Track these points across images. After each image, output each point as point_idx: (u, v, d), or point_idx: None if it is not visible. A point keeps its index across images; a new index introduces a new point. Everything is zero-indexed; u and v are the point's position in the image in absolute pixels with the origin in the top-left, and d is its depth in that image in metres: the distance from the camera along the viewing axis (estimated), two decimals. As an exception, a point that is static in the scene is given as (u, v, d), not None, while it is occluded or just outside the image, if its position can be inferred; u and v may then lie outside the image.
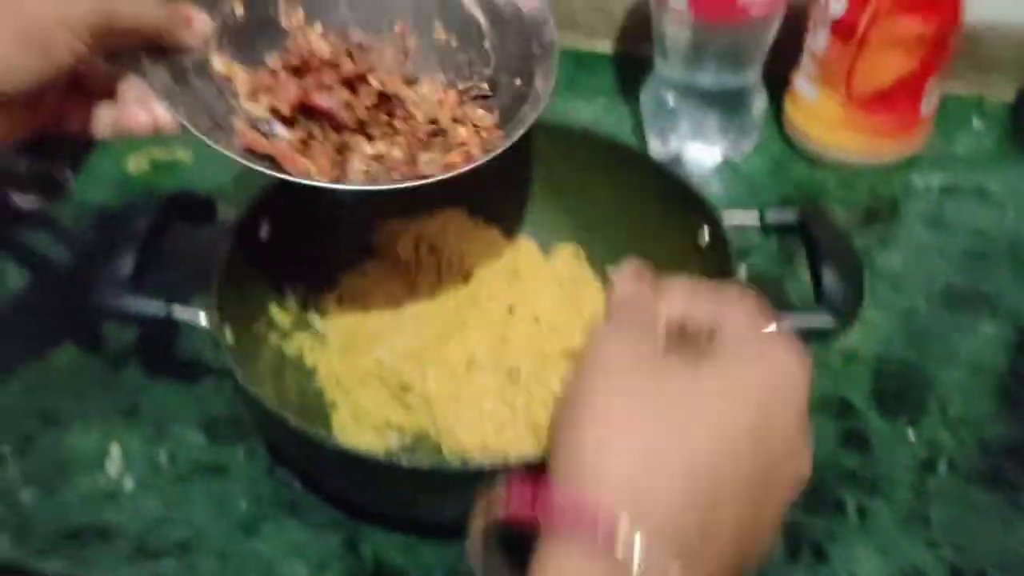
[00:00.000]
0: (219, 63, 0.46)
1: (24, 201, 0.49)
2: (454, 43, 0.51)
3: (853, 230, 0.61)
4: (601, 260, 0.57)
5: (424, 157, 0.46)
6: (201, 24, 0.45)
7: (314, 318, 0.54)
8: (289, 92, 0.45)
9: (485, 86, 0.50)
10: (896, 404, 0.51)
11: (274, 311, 0.52)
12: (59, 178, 0.49)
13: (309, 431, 0.40)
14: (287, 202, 0.52)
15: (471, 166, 0.45)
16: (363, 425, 0.49)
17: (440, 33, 0.51)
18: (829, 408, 0.51)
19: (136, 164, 0.68)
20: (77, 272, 0.59)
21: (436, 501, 0.42)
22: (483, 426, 0.48)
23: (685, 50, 0.61)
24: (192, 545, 0.46)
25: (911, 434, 0.50)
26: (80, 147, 0.65)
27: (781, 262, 0.59)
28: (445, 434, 0.48)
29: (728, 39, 0.59)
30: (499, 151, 0.46)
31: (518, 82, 0.50)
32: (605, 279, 0.56)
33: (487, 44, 0.51)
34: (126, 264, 0.46)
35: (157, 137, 0.66)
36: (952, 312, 0.56)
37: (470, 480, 0.39)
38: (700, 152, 0.65)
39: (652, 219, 0.54)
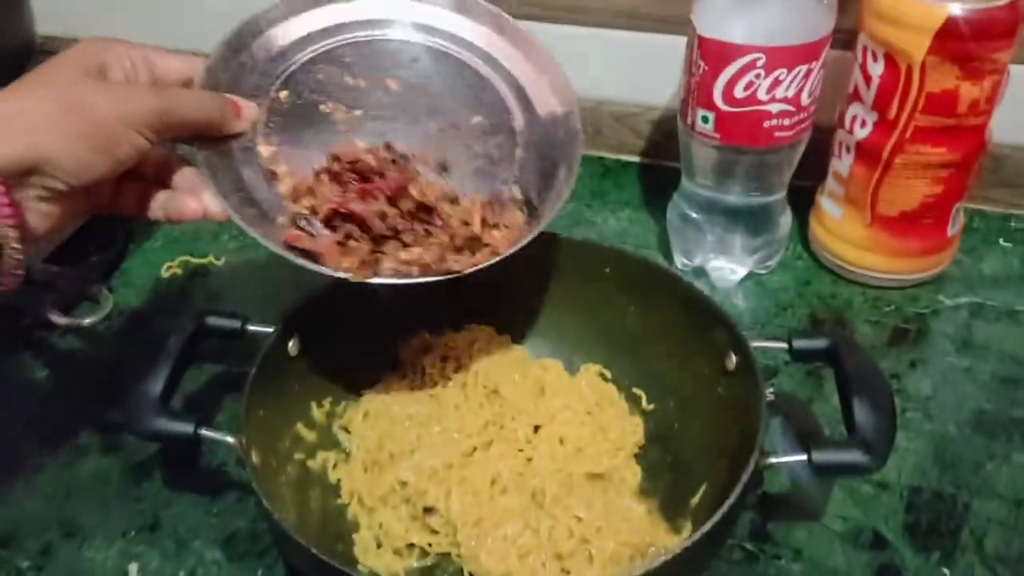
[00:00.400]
0: (265, 151, 0.48)
1: (59, 318, 0.50)
2: (489, 140, 0.52)
3: (880, 351, 0.61)
4: (627, 381, 0.57)
5: (453, 257, 0.47)
6: (250, 112, 0.49)
7: (339, 434, 0.54)
8: (330, 197, 0.46)
9: (518, 191, 0.51)
10: (930, 538, 0.50)
11: (300, 428, 0.52)
12: (94, 293, 0.50)
13: (330, 560, 0.40)
14: (316, 317, 0.53)
15: (496, 259, 0.47)
16: (385, 547, 0.49)
17: (474, 129, 0.52)
18: (861, 540, 0.50)
19: (169, 269, 0.69)
20: (107, 384, 0.59)
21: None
22: (507, 552, 0.47)
23: (712, 170, 0.62)
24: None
25: (947, 572, 0.48)
26: (114, 256, 0.66)
27: (808, 383, 0.59)
28: (468, 560, 0.47)
29: (755, 161, 0.60)
30: (524, 242, 0.48)
31: (543, 176, 0.51)
32: (631, 400, 0.56)
33: (519, 139, 0.53)
34: (156, 385, 0.46)
35: (193, 240, 0.69)
36: (985, 439, 0.55)
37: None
38: (724, 267, 0.66)
39: (679, 340, 0.54)
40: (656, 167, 0.78)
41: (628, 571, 0.39)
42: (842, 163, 0.63)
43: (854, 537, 0.50)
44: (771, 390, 0.58)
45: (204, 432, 0.45)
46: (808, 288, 0.66)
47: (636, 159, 0.80)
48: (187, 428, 0.45)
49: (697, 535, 0.40)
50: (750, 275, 0.67)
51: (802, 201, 0.69)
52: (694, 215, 0.65)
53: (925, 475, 0.53)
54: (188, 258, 0.70)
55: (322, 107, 0.51)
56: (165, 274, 0.69)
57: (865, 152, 0.61)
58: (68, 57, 0.44)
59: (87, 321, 0.50)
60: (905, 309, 0.64)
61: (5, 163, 0.39)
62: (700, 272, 0.66)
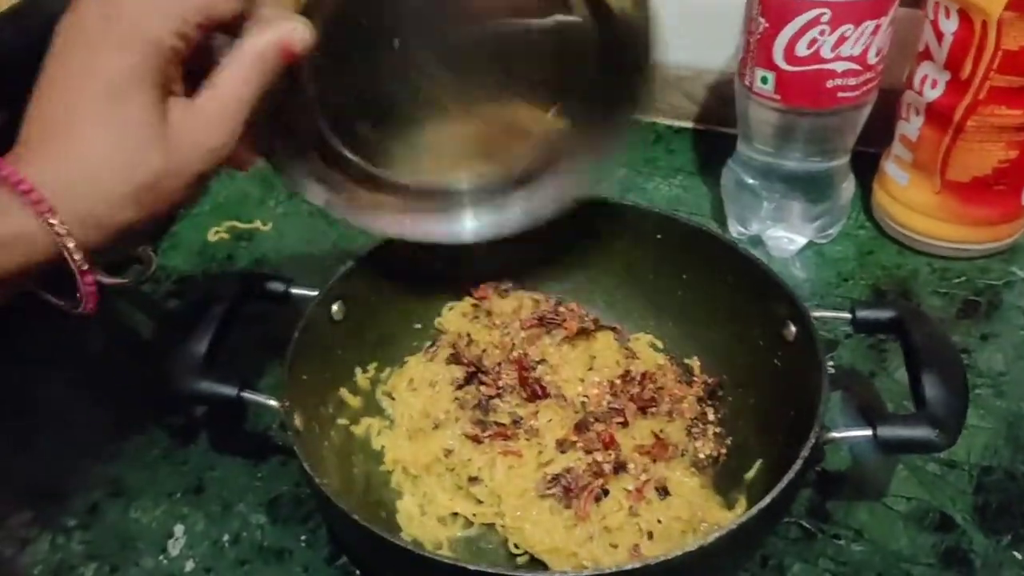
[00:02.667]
0: None
1: (105, 278, 0.49)
2: None
3: (949, 324, 0.58)
4: (680, 351, 0.55)
5: None
6: None
7: (383, 400, 0.53)
8: None
9: None
10: (1000, 520, 0.47)
11: (344, 393, 0.52)
12: (139, 254, 0.49)
13: (372, 527, 0.39)
14: (361, 282, 0.52)
15: None
16: (428, 516, 0.48)
17: None
18: (927, 522, 0.47)
19: (217, 234, 0.69)
20: (154, 344, 0.59)
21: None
22: (554, 525, 0.45)
23: (771, 133, 0.59)
24: (249, 633, 0.44)
25: (1018, 556, 0.46)
26: (164, 221, 0.66)
27: (871, 357, 0.56)
28: (513, 530, 0.46)
29: (816, 124, 0.57)
30: None
31: None
32: (684, 371, 0.54)
33: None
34: (200, 347, 0.46)
35: (239, 205, 0.68)
36: (1060, 419, 0.52)
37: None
38: (782, 236, 0.63)
39: (734, 310, 0.52)
40: (711, 133, 0.76)
41: (680, 546, 0.37)
42: (910, 126, 0.60)
43: (919, 518, 0.48)
44: (831, 363, 0.56)
45: (247, 395, 0.45)
46: (871, 258, 0.64)
47: (690, 125, 0.77)
48: (231, 391, 0.45)
49: (753, 511, 0.38)
50: (809, 244, 0.64)
51: (866, 168, 0.66)
52: (751, 181, 0.62)
53: (996, 454, 0.50)
54: (235, 223, 0.70)
55: None
56: (212, 239, 0.69)
57: (936, 114, 0.58)
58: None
59: (130, 280, 0.49)
60: (975, 281, 0.61)
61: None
62: (756, 241, 0.64)
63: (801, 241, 0.63)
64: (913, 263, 0.63)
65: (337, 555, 0.47)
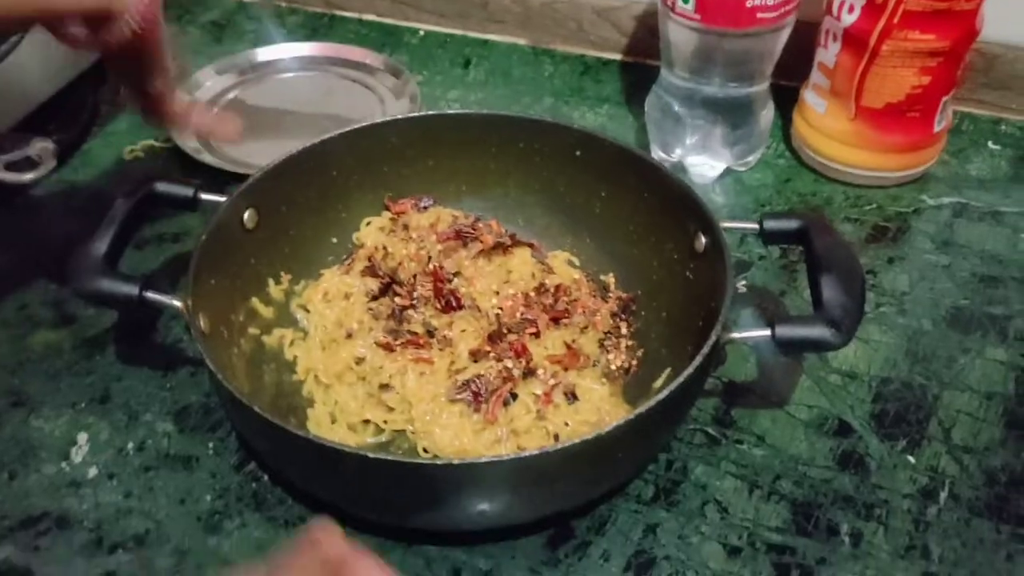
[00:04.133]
0: None
1: (9, 177, 0.48)
2: None
3: (858, 248, 0.59)
4: (595, 267, 0.55)
5: None
6: None
7: (297, 312, 0.53)
8: None
9: None
10: (896, 427, 0.49)
11: (256, 303, 0.51)
12: (42, 156, 0.48)
13: (276, 420, 0.39)
14: (274, 191, 0.51)
15: None
16: (339, 423, 0.48)
17: None
18: (825, 427, 0.49)
19: (132, 152, 0.67)
20: (59, 254, 0.58)
21: (405, 499, 0.40)
22: (462, 428, 0.46)
23: (691, 57, 0.59)
24: (150, 539, 0.44)
25: (911, 459, 0.47)
26: (75, 136, 0.65)
27: (783, 277, 0.57)
28: (423, 436, 0.46)
29: (736, 46, 0.58)
30: None
31: None
32: (598, 285, 0.54)
33: None
34: (101, 245, 0.45)
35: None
36: (959, 335, 0.54)
37: (441, 477, 0.38)
38: (704, 162, 0.64)
39: (649, 224, 0.52)
40: (638, 65, 0.76)
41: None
42: (828, 53, 0.61)
43: (818, 425, 0.49)
44: (743, 282, 0.57)
45: (149, 295, 0.44)
46: (788, 186, 0.65)
47: (618, 57, 0.77)
48: (132, 290, 0.44)
49: (651, 402, 0.39)
50: (729, 172, 0.65)
51: (786, 101, 0.67)
52: (673, 107, 0.63)
53: (895, 367, 0.52)
54: (152, 142, 0.68)
55: None
56: (127, 156, 0.67)
57: (852, 39, 0.58)
58: None
59: (29, 176, 0.48)
60: (886, 208, 0.62)
61: None
62: (679, 168, 0.64)
63: (721, 167, 0.64)
64: (828, 191, 0.64)
65: (246, 461, 0.47)
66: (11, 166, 0.48)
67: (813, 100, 0.63)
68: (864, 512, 0.45)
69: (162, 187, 0.48)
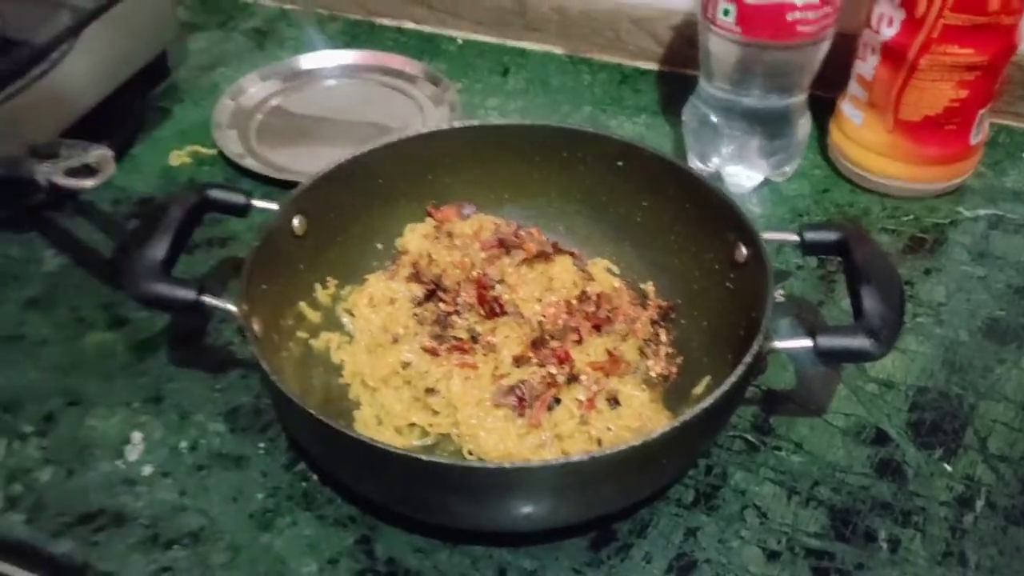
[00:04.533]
0: None
1: (63, 180, 0.49)
2: None
3: (896, 259, 0.60)
4: (636, 275, 0.56)
5: None
6: None
7: (343, 316, 0.54)
8: None
9: None
10: (933, 436, 0.49)
11: (304, 307, 0.52)
12: (97, 159, 0.49)
13: (331, 422, 0.40)
14: (323, 198, 0.52)
15: None
16: (385, 425, 0.49)
17: None
18: (863, 435, 0.49)
19: (178, 158, 0.69)
20: (113, 261, 0.59)
21: (453, 501, 0.41)
22: (507, 432, 0.47)
23: (731, 69, 0.60)
24: (205, 536, 0.45)
25: (948, 467, 0.48)
26: (121, 142, 0.66)
27: (821, 287, 0.58)
28: (468, 439, 0.47)
29: (776, 58, 0.59)
30: None
31: None
32: (637, 293, 0.55)
33: None
34: (159, 250, 0.46)
35: (203, 131, 0.68)
36: (996, 345, 0.54)
37: (491, 480, 0.39)
38: (740, 172, 0.65)
39: (689, 234, 0.53)
40: (675, 75, 0.77)
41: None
42: (866, 65, 0.61)
43: (856, 433, 0.50)
44: (781, 292, 0.57)
45: (206, 299, 0.45)
46: (825, 196, 0.65)
47: (655, 67, 0.78)
48: (189, 294, 0.45)
49: (696, 410, 0.40)
50: (766, 183, 0.65)
51: (823, 112, 0.67)
52: (711, 117, 0.64)
53: (932, 377, 0.52)
54: (198, 148, 0.70)
55: None
56: (174, 163, 0.69)
57: (891, 53, 0.59)
58: None
59: (89, 183, 0.49)
60: (923, 219, 0.63)
61: None
62: (716, 178, 0.65)
63: (758, 178, 0.65)
64: (865, 201, 0.65)
65: (295, 462, 0.48)
66: (71, 172, 0.50)
67: (850, 112, 0.64)
68: (901, 519, 0.46)
69: (215, 194, 0.50)
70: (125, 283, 0.46)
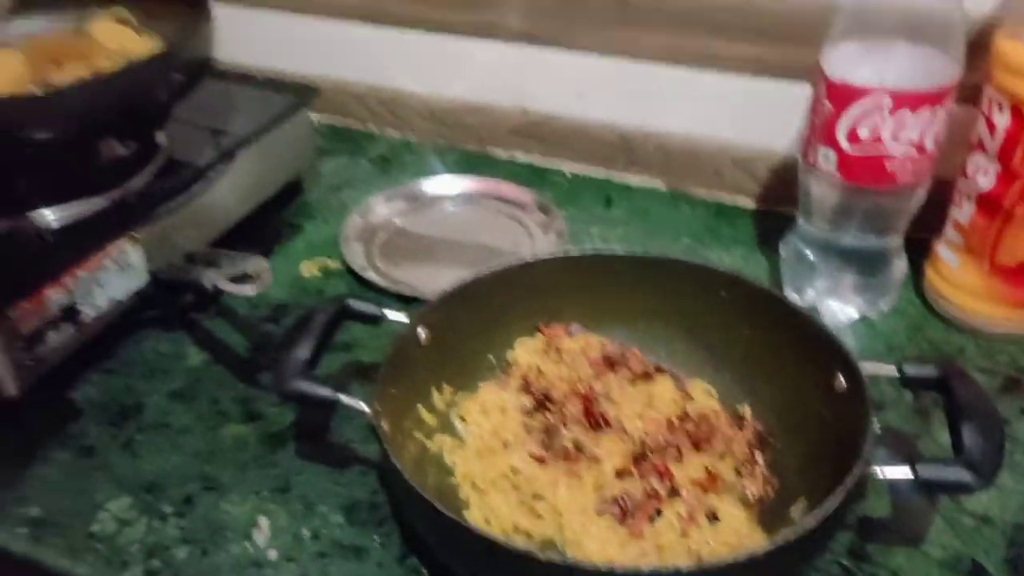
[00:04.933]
0: None
1: (229, 287, 0.56)
2: None
3: (998, 398, 0.61)
4: (733, 399, 0.59)
5: None
6: None
7: (457, 421, 0.58)
8: None
9: None
10: (1034, 577, 0.50)
11: (422, 411, 0.57)
12: (255, 268, 0.56)
13: (453, 516, 0.43)
14: (445, 313, 0.57)
15: None
16: (493, 527, 0.52)
17: None
18: (959, 567, 0.50)
19: (308, 269, 0.76)
20: (250, 361, 0.65)
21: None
22: (609, 540, 0.49)
23: (830, 210, 0.64)
24: (323, 621, 0.48)
25: (1051, 610, 0.48)
26: (262, 249, 0.74)
27: (916, 420, 0.59)
28: (571, 544, 0.50)
29: (874, 202, 0.62)
30: None
31: None
32: (734, 415, 0.58)
33: None
34: (305, 352, 0.51)
35: (332, 246, 0.75)
36: (1098, 491, 0.54)
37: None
38: (836, 307, 0.67)
39: (787, 363, 0.56)
40: (771, 212, 0.81)
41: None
42: (963, 212, 0.64)
43: (953, 564, 0.50)
44: (876, 423, 0.59)
45: (343, 397, 0.50)
46: (919, 333, 0.67)
47: (752, 204, 0.82)
48: (327, 392, 0.50)
49: (797, 530, 0.42)
50: (861, 318, 0.68)
51: (918, 253, 0.70)
52: (808, 253, 0.67)
53: (1031, 517, 0.53)
54: (326, 261, 0.76)
55: None
56: (304, 273, 0.75)
57: (986, 202, 0.62)
58: None
59: (249, 290, 0.56)
60: (1019, 360, 0.64)
61: None
62: (811, 311, 0.68)
63: (853, 313, 0.67)
64: (960, 340, 0.66)
65: (407, 555, 0.52)
66: (232, 279, 0.56)
67: (946, 255, 0.66)
68: (1002, 661, 0.46)
69: (354, 304, 0.56)
70: (274, 379, 0.51)
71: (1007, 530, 0.52)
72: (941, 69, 0.57)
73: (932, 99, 0.58)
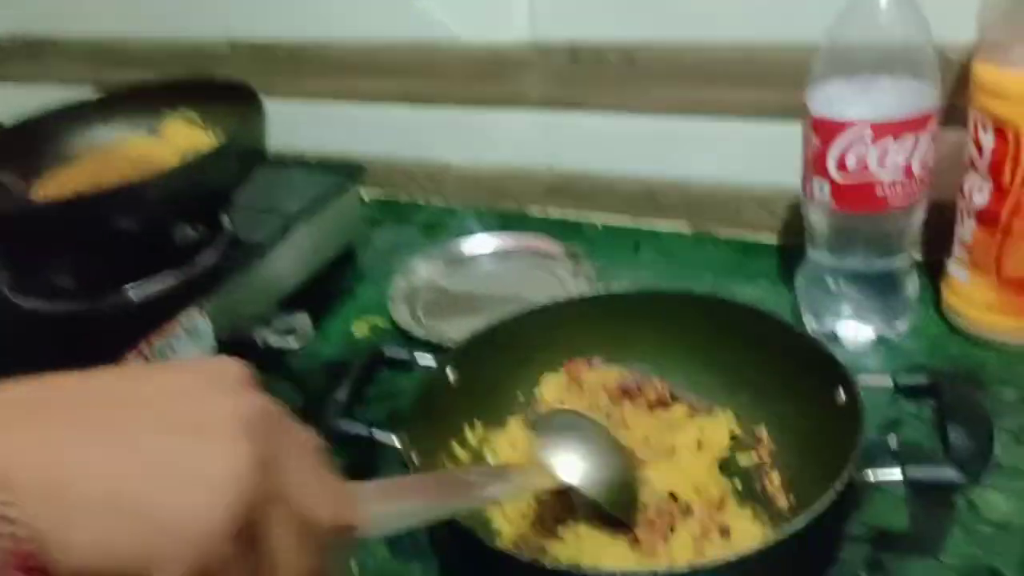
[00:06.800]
0: None
1: (276, 341, 0.62)
2: None
3: (1015, 407, 0.62)
4: (750, 421, 0.62)
5: None
6: None
7: (488, 455, 0.63)
8: None
9: None
10: (1051, 578, 0.51)
11: (455, 446, 0.61)
12: (302, 326, 0.62)
13: (485, 539, 0.48)
14: (473, 355, 0.63)
15: None
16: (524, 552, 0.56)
17: None
18: None
19: (359, 328, 0.82)
20: (303, 410, 0.71)
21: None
22: (627, 558, 0.52)
23: (832, 238, 0.67)
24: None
25: (1065, 607, 0.49)
26: (317, 312, 0.81)
27: (936, 435, 0.61)
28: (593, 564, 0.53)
29: (871, 227, 0.65)
30: None
31: None
32: (753, 440, 0.61)
33: None
34: (343, 393, 0.57)
35: (379, 307, 0.81)
36: (1118, 492, 0.55)
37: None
38: (855, 330, 0.70)
39: (797, 382, 0.59)
40: (791, 245, 0.84)
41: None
42: (965, 229, 0.67)
43: (970, 573, 0.51)
44: (895, 438, 0.61)
45: (376, 432, 0.55)
46: (941, 351, 0.69)
47: (773, 239, 0.86)
48: (361, 429, 0.55)
49: (788, 530, 0.44)
50: (881, 339, 0.70)
51: (935, 273, 0.72)
52: (822, 280, 0.70)
53: (1050, 521, 0.54)
54: (376, 320, 0.83)
55: None
56: (356, 332, 0.82)
57: (985, 218, 0.64)
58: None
59: (293, 342, 0.62)
60: (1040, 369, 0.65)
61: None
62: (831, 337, 0.70)
63: (871, 334, 0.70)
64: (981, 355, 0.68)
65: (445, 582, 0.56)
66: (279, 333, 0.63)
67: (956, 272, 0.69)
68: (1023, 662, 0.47)
69: (387, 351, 0.61)
70: (317, 420, 0.57)
71: (1024, 534, 0.53)
72: (918, 97, 0.61)
73: (913, 125, 0.61)
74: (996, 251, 0.64)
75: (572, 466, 0.50)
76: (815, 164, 0.65)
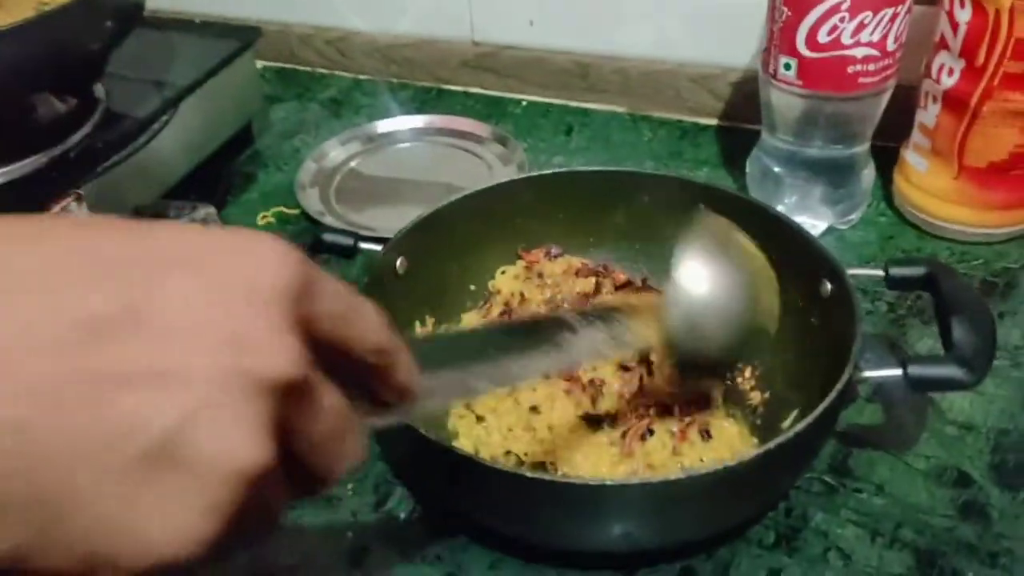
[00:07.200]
0: None
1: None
2: None
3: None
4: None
5: None
6: None
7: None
8: None
9: None
10: (1017, 477, 0.49)
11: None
12: (207, 218, 0.53)
13: (437, 439, 0.42)
14: (421, 242, 0.55)
15: None
16: (482, 454, 0.50)
17: None
18: (944, 477, 0.50)
19: (264, 219, 0.73)
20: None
21: (552, 520, 0.42)
22: (600, 459, 0.48)
23: (794, 121, 0.62)
24: (300, 570, 0.47)
25: (1036, 505, 0.48)
26: (215, 201, 0.71)
27: (893, 329, 0.59)
28: (564, 461, 0.49)
29: (837, 110, 0.61)
30: None
31: None
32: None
33: None
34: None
35: (287, 194, 0.72)
36: (1076, 384, 0.54)
37: (586, 494, 0.40)
38: (805, 220, 0.66)
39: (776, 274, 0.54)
40: (735, 129, 0.79)
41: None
42: (928, 114, 0.63)
43: (938, 475, 0.50)
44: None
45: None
46: (891, 243, 0.66)
47: (715, 122, 0.81)
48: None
49: (783, 438, 0.40)
50: (831, 230, 0.67)
51: (887, 161, 0.69)
52: (775, 168, 0.66)
53: (1012, 419, 0.53)
54: (282, 208, 0.73)
55: None
56: (261, 223, 0.72)
57: (952, 101, 0.61)
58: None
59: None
60: (993, 263, 0.63)
61: None
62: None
63: (823, 226, 0.66)
64: (932, 247, 0.65)
65: (382, 502, 0.50)
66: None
67: (914, 160, 0.65)
68: (988, 560, 0.46)
69: (328, 237, 0.54)
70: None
71: (991, 436, 0.52)
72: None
73: (894, -3, 0.56)
74: (961, 137, 0.61)
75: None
76: (782, 38, 0.59)
